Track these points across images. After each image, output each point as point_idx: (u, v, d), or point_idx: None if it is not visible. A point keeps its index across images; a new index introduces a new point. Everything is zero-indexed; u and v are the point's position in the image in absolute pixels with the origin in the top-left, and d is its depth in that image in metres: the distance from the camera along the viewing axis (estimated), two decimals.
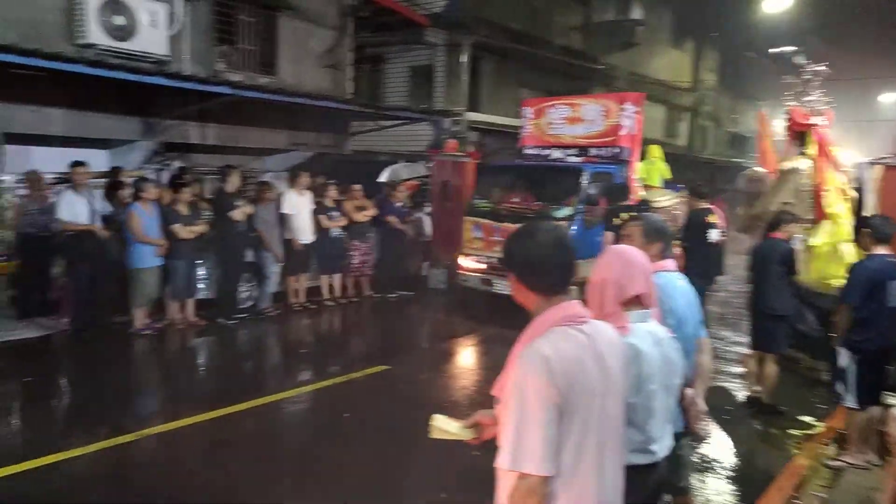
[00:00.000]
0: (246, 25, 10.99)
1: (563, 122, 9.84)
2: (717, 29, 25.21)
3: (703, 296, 6.20)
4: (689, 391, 2.78)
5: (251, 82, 10.37)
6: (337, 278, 9.67)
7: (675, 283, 3.03)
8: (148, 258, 7.58)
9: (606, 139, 9.32)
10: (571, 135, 9.71)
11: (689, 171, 20.75)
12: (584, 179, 8.62)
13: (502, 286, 8.66)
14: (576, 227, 8.31)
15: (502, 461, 1.79)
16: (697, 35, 25.81)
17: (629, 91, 20.70)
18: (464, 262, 9.47)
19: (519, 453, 1.75)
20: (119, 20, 8.79)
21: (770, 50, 18.99)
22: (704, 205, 7.44)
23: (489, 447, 2.18)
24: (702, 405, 2.92)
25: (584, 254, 8.95)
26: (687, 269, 4.21)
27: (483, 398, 6.07)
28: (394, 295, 10.12)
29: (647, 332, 2.38)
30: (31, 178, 7.84)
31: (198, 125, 10.54)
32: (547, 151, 9.95)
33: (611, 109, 9.32)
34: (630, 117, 9.18)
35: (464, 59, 13.66)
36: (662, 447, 2.40)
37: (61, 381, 6.67)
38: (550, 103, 10.04)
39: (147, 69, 8.65)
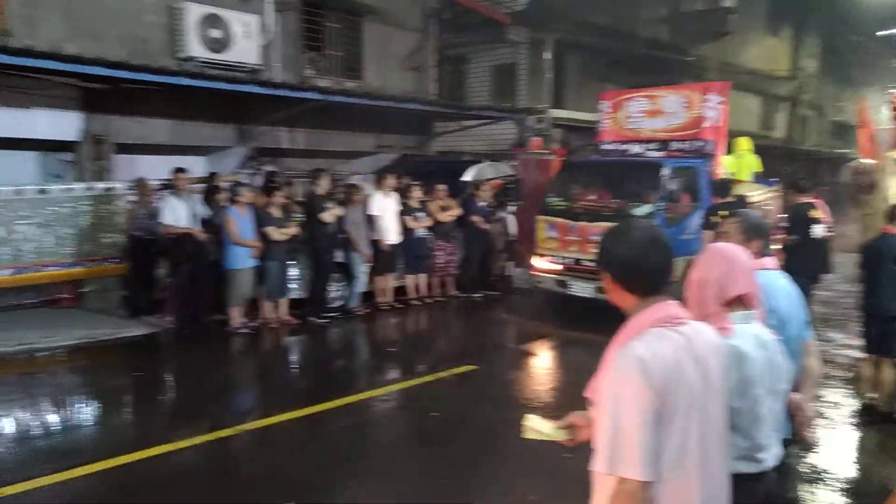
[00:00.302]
0: (332, 32, 11.29)
1: (642, 116, 9.46)
2: (818, 12, 23.78)
3: (808, 295, 5.85)
4: (795, 396, 2.62)
5: (338, 87, 10.65)
6: (422, 278, 9.77)
7: (776, 281, 2.86)
8: (243, 259, 7.91)
9: (689, 132, 8.91)
10: (651, 128, 9.33)
11: (787, 163, 19.72)
12: (665, 175, 8.22)
13: (578, 288, 8.52)
14: (658, 226, 8.17)
15: (599, 464, 1.75)
16: (796, 20, 24.44)
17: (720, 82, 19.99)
18: (537, 262, 9.21)
19: (616, 457, 1.70)
20: (216, 33, 9.23)
21: (878, 33, 17.73)
22: (806, 199, 7.02)
23: (581, 449, 2.13)
24: (810, 411, 2.74)
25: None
26: (789, 267, 3.98)
27: (572, 400, 5.96)
28: (479, 294, 10.11)
29: (751, 333, 2.26)
30: (139, 185, 8.34)
31: (288, 130, 10.92)
32: (625, 146, 9.57)
33: (693, 101, 8.91)
34: (714, 108, 8.75)
35: (547, 55, 13.49)
36: (771, 456, 2.26)
37: (166, 377, 7.07)
38: (629, 96, 9.67)
39: (241, 78, 9.06)
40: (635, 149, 9.37)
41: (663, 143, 9.14)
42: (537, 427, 2.12)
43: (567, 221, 8.73)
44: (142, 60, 8.61)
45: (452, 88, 15.56)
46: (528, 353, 7.69)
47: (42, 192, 8.29)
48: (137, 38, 9.04)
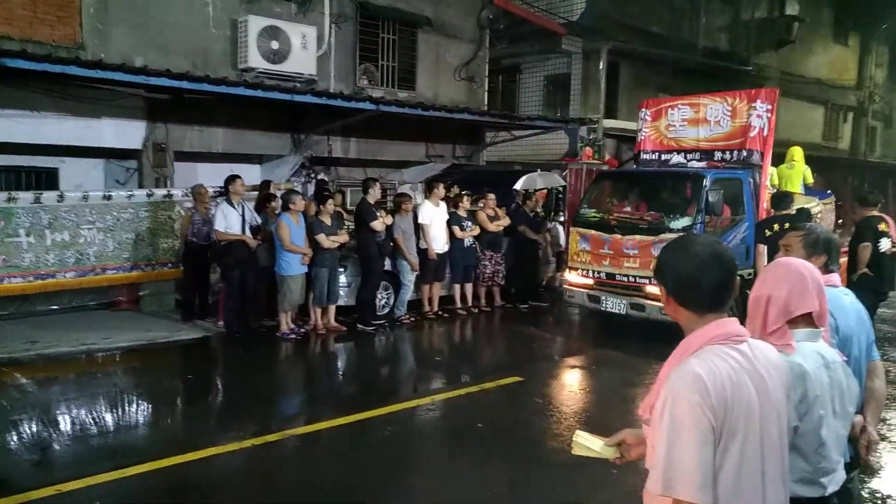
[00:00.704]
0: (387, 43, 11.42)
1: (684, 124, 8.98)
2: (887, 19, 22.84)
3: (873, 313, 5.58)
4: (858, 418, 2.49)
5: (391, 97, 10.76)
6: (469, 287, 9.74)
7: (841, 298, 2.73)
8: (294, 266, 8.03)
9: (733, 141, 8.46)
10: (694, 137, 8.87)
11: (853, 176, 18.97)
12: (705, 186, 7.80)
13: (611, 304, 8.26)
14: None
15: (654, 486, 1.68)
16: (864, 27, 23.52)
17: (782, 93, 19.37)
18: (570, 276, 8.89)
19: (672, 477, 1.64)
20: (275, 44, 9.46)
21: None
22: (873, 212, 6.73)
23: (626, 466, 2.07)
24: (874, 435, 2.60)
25: None
26: (855, 284, 3.80)
27: (619, 415, 5.83)
28: (525, 305, 10.02)
29: (815, 352, 2.17)
30: (196, 192, 8.59)
31: (341, 139, 11.08)
32: (667, 156, 9.09)
33: (738, 108, 8.43)
34: (761, 116, 8.26)
35: (601, 65, 13.35)
36: (833, 480, 2.16)
37: (216, 380, 7.24)
38: (670, 104, 9.22)
39: (298, 89, 9.24)
40: (676, 159, 8.95)
41: (706, 153, 8.72)
42: (587, 444, 2.07)
43: (600, 234, 8.43)
44: (203, 71, 8.89)
45: (504, 98, 15.54)
46: (575, 366, 7.56)
47: (106, 198, 8.63)
48: (200, 50, 9.34)
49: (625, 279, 8.13)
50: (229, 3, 9.55)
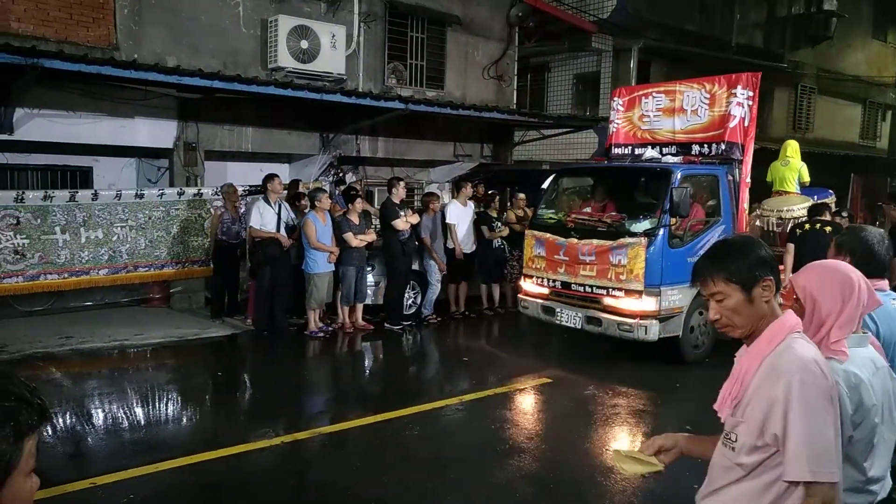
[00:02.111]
0: (415, 42, 11.40)
1: (658, 114, 8.09)
2: None
3: None
4: None
5: (420, 96, 10.74)
6: (496, 288, 9.69)
7: (888, 304, 2.63)
8: (322, 264, 8.07)
9: (712, 133, 7.58)
10: (669, 129, 7.97)
11: (892, 175, 18.41)
12: (673, 184, 6.90)
13: (566, 316, 7.46)
14: (657, 246, 6.84)
15: (799, 474, 1.70)
16: None
17: (818, 89, 18.92)
18: (524, 284, 8.05)
19: (817, 462, 1.69)
20: (304, 44, 9.50)
21: None
22: None
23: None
24: None
25: (671, 279, 6.67)
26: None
27: (653, 418, 5.74)
28: None
29: (868, 358, 2.11)
30: (227, 191, 8.67)
31: (369, 139, 11.10)
32: (640, 150, 8.17)
33: (716, 96, 7.54)
34: (742, 105, 7.38)
35: (632, 64, 13.18)
36: (883, 488, 2.11)
37: (245, 378, 7.30)
38: (644, 91, 8.34)
39: (327, 88, 9.27)
40: (649, 153, 8.01)
41: (683, 147, 7.84)
42: (631, 457, 2.02)
43: (556, 238, 7.56)
44: (234, 71, 8.98)
45: (533, 97, 15.43)
46: (603, 368, 7.46)
47: (139, 196, 8.76)
48: (230, 49, 9.42)
49: (581, 289, 7.33)
50: (259, 2, 9.62)
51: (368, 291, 8.64)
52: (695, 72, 15.57)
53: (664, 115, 8.03)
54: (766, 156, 14.06)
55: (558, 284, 7.58)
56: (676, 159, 7.68)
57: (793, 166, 8.92)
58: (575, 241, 7.37)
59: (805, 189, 9.10)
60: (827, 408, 1.70)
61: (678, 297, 6.96)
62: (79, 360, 7.11)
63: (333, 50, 9.82)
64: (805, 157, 15.02)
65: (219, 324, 8.49)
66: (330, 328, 8.37)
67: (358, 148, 11.00)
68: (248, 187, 9.16)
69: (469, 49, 12.10)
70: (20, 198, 7.89)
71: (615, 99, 8.57)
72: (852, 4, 19.56)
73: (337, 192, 9.83)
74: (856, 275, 2.13)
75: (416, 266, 8.87)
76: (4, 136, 7.89)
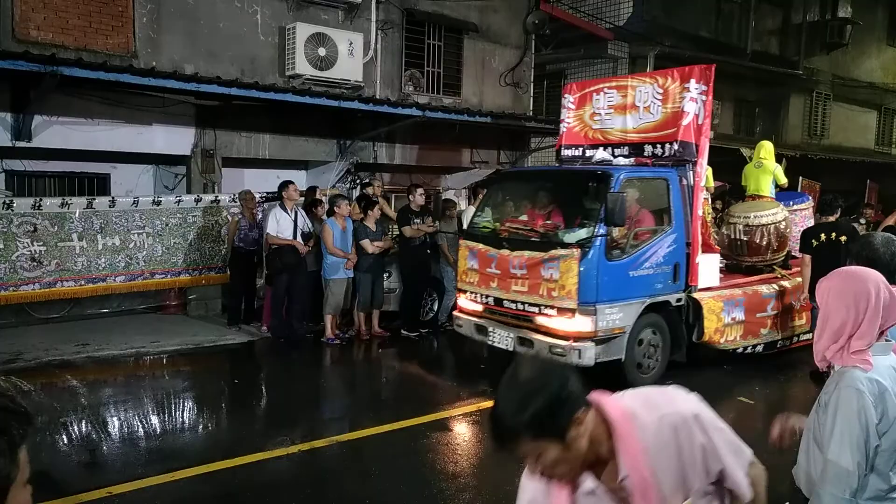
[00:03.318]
0: (432, 49, 11.38)
1: (610, 112, 7.37)
2: None
3: None
4: None
5: (436, 103, 10.72)
6: None
7: None
8: (338, 270, 8.04)
9: (666, 132, 6.85)
10: (621, 128, 7.28)
11: None
12: (611, 189, 6.15)
13: (499, 337, 6.68)
14: (592, 259, 6.06)
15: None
16: None
17: (833, 96, 18.77)
18: (460, 300, 7.36)
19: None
20: (322, 51, 9.49)
21: None
22: None
23: None
24: None
25: (609, 295, 6.12)
26: None
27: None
28: None
29: (890, 367, 2.06)
30: (244, 198, 8.65)
31: (386, 146, 11.07)
32: (592, 152, 7.45)
33: (670, 91, 6.82)
34: (696, 100, 6.70)
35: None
36: None
37: (262, 385, 7.24)
38: (596, 87, 7.62)
39: (345, 95, 9.25)
40: (600, 155, 7.29)
41: (635, 147, 7.13)
42: None
43: (488, 249, 6.82)
44: (251, 78, 8.98)
45: (549, 104, 15.36)
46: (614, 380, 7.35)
47: (156, 203, 8.75)
48: (248, 57, 9.43)
49: (513, 306, 6.58)
50: (277, 10, 9.63)
51: (385, 298, 8.57)
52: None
53: (616, 113, 7.33)
54: (780, 162, 13.99)
55: (491, 301, 6.78)
56: (628, 161, 7.01)
57: (767, 168, 8.26)
58: (507, 252, 6.58)
59: (782, 193, 8.66)
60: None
61: (619, 316, 6.23)
62: (95, 368, 7.08)
63: (351, 57, 9.81)
64: (821, 163, 15.04)
65: (235, 331, 8.45)
66: (346, 335, 8.31)
67: (375, 155, 10.97)
68: (265, 194, 9.14)
69: (486, 56, 12.07)
70: (38, 205, 7.90)
71: (566, 96, 7.85)
72: (867, 11, 19.45)
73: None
74: (875, 285, 2.04)
75: (433, 273, 8.80)
76: (23, 143, 7.91)
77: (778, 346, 7.72)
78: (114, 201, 8.47)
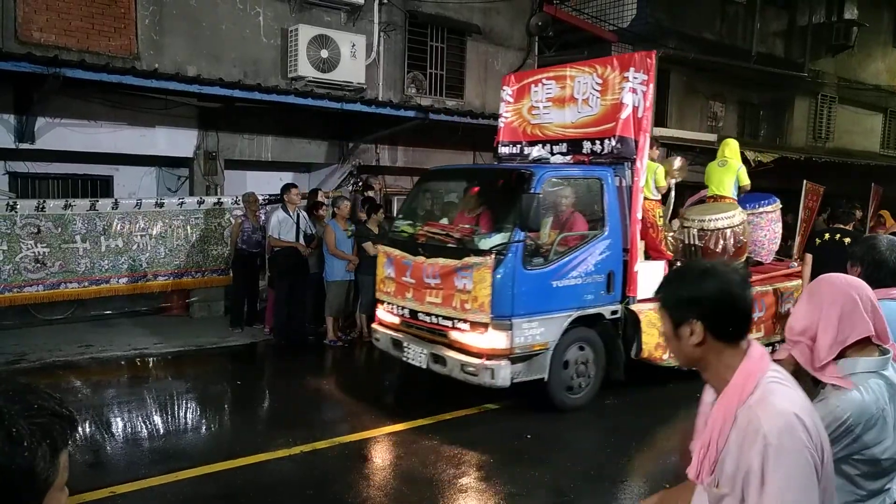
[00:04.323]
0: (435, 51, 11.38)
1: (548, 105, 6.78)
2: None
3: None
4: None
5: (439, 105, 10.71)
6: None
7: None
8: (340, 272, 8.03)
9: (605, 126, 6.27)
10: (559, 122, 6.69)
11: None
12: (531, 191, 5.57)
13: (413, 353, 6.10)
14: (507, 267, 5.48)
15: None
16: None
17: (839, 100, 18.71)
18: (379, 311, 6.77)
19: None
20: (324, 53, 9.50)
21: None
22: None
23: None
24: None
25: (529, 308, 5.57)
26: None
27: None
28: None
29: (883, 385, 1.93)
30: (248, 200, 8.65)
31: (388, 148, 11.06)
32: (529, 149, 6.90)
33: (609, 81, 6.24)
34: (636, 91, 6.12)
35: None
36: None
37: (264, 386, 7.23)
38: (535, 78, 7.01)
39: (347, 97, 9.25)
40: (536, 152, 6.75)
41: (574, 144, 6.52)
42: None
43: (403, 255, 6.20)
44: (254, 80, 8.99)
45: None
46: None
47: (158, 205, 8.76)
48: (251, 59, 9.44)
49: (427, 319, 5.98)
50: (280, 12, 9.64)
51: None
52: (715, 81, 15.60)
53: (554, 107, 6.73)
54: (786, 164, 13.96)
55: (406, 313, 6.21)
56: (566, 160, 6.51)
57: (730, 168, 7.72)
58: (421, 259, 5.96)
59: (750, 194, 8.15)
60: (808, 474, 1.48)
61: (540, 331, 5.62)
62: (98, 369, 7.08)
63: (353, 59, 9.81)
64: (825, 166, 14.98)
65: (238, 333, 8.44)
66: (348, 337, 8.30)
67: (377, 157, 10.96)
68: (268, 196, 9.14)
69: (489, 58, 12.07)
70: (41, 206, 7.91)
71: (504, 87, 7.33)
72: (873, 14, 19.40)
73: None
74: (851, 295, 1.94)
75: None
76: (26, 144, 7.93)
77: None
78: (117, 203, 8.49)
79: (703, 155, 14.08)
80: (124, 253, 8.48)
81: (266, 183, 9.86)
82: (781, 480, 1.47)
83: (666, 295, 1.71)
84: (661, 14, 13.85)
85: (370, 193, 9.46)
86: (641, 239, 6.92)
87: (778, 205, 8.34)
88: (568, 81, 6.64)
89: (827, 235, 6.78)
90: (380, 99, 10.12)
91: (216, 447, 5.24)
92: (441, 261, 5.79)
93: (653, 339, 6.19)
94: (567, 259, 5.83)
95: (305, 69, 9.39)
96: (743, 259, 7.48)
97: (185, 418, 6.00)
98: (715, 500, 1.62)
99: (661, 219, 7.13)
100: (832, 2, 17.94)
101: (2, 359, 7.03)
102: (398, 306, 6.32)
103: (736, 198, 7.70)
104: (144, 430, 5.54)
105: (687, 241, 7.33)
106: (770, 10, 16.66)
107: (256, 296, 8.84)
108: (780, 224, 8.35)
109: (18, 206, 7.80)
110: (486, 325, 5.49)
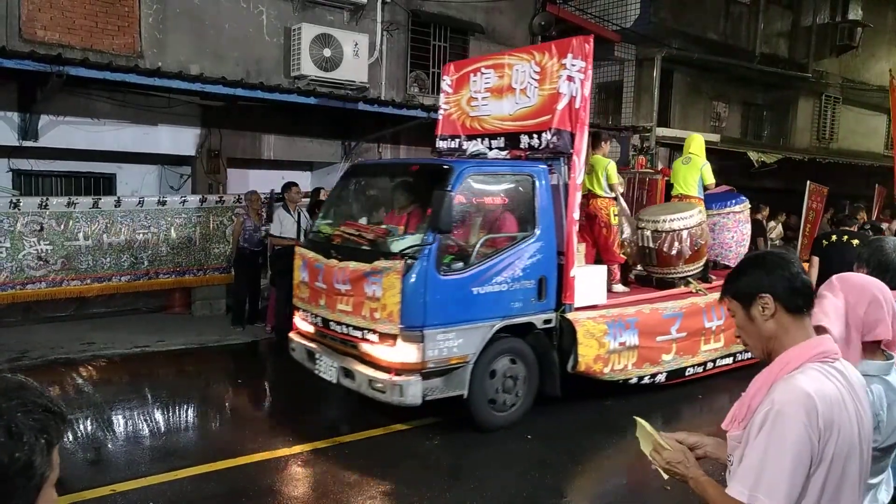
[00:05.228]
0: (438, 50, 11.38)
1: (487, 96, 6.33)
2: None
3: None
4: None
5: None
6: None
7: None
8: None
9: (541, 119, 5.78)
10: (498, 115, 6.20)
11: None
12: (447, 188, 5.10)
13: (324, 366, 5.60)
14: (418, 273, 4.94)
15: (736, 493, 1.63)
16: None
17: (843, 100, 18.67)
18: (296, 319, 6.24)
19: (759, 492, 1.58)
20: (327, 52, 9.51)
21: None
22: None
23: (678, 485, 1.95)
24: None
25: (444, 318, 5.06)
26: None
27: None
28: None
29: (881, 389, 2.00)
30: (250, 198, 8.67)
31: (391, 147, 11.07)
32: (467, 143, 6.42)
33: (547, 69, 5.77)
34: (573, 79, 5.63)
35: (655, 73, 13.06)
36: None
37: (265, 385, 7.25)
38: (474, 66, 6.52)
39: (350, 96, 9.26)
40: (473, 147, 6.25)
41: (511, 138, 6.06)
42: (647, 429, 1.96)
43: (317, 258, 5.69)
44: (256, 79, 9.00)
45: None
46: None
47: (161, 203, 8.77)
48: (253, 57, 9.45)
49: (339, 329, 5.47)
50: (283, 11, 9.65)
51: None
52: (719, 81, 15.56)
53: (492, 97, 6.27)
54: (789, 165, 13.93)
55: (320, 321, 5.71)
56: (503, 155, 6.07)
57: (694, 165, 7.28)
58: (333, 263, 5.46)
59: (719, 194, 7.90)
60: (796, 443, 1.56)
61: (458, 342, 5.09)
62: (100, 367, 7.10)
63: (356, 58, 9.82)
64: (829, 167, 14.95)
65: (239, 331, 8.46)
66: None
67: (380, 156, 10.97)
68: (270, 195, 9.15)
69: None
70: (44, 204, 7.94)
71: (444, 77, 6.85)
72: (878, 14, 19.34)
73: None
74: (877, 296, 2.01)
75: None
76: (30, 142, 7.95)
77: (688, 373, 6.56)
78: (119, 201, 8.51)
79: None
80: (126, 251, 8.50)
81: (269, 181, 9.86)
82: (769, 441, 1.58)
83: (731, 286, 1.83)
84: (665, 14, 13.83)
85: None
86: (594, 240, 6.69)
87: (746, 205, 7.96)
88: (506, 70, 6.15)
89: (834, 237, 6.68)
90: (382, 98, 10.12)
91: (217, 446, 5.24)
92: (352, 265, 5.28)
93: (591, 351, 5.68)
94: (490, 263, 5.29)
95: (308, 68, 9.40)
96: (701, 263, 7.04)
97: (187, 417, 6.02)
98: (731, 450, 1.76)
99: (616, 218, 6.74)
100: (836, 2, 17.87)
101: (4, 356, 7.05)
102: (312, 314, 5.82)
103: (701, 197, 7.30)
104: (146, 429, 5.56)
105: (640, 244, 6.94)
106: (774, 10, 16.63)
107: (258, 294, 8.86)
108: (748, 225, 8.00)
109: (22, 204, 7.82)
110: (395, 337, 4.98)
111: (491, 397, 5.40)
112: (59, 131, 8.16)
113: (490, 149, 6.21)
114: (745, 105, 17.10)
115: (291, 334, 6.28)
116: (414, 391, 5.00)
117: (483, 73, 6.37)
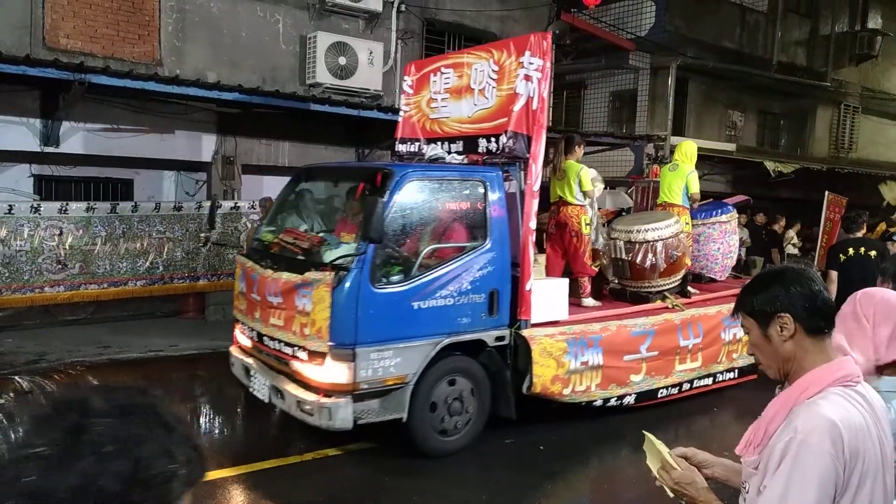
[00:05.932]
0: None
1: (446, 97, 6.01)
2: None
3: None
4: None
5: None
6: None
7: None
8: None
9: (498, 122, 5.47)
10: (457, 117, 5.88)
11: None
12: (384, 194, 4.78)
13: (258, 383, 5.30)
14: (350, 285, 4.57)
15: None
16: None
17: (861, 108, 18.48)
18: (236, 332, 5.90)
19: None
20: (342, 60, 9.60)
21: None
22: None
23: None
24: None
25: (380, 334, 4.72)
26: None
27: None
28: None
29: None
30: (265, 204, 8.75)
31: None
32: (427, 148, 6.10)
33: (505, 68, 5.45)
34: (531, 78, 5.30)
35: (670, 81, 13.03)
36: None
37: None
38: (434, 66, 6.22)
39: (364, 104, 9.34)
40: (432, 151, 5.93)
41: (469, 142, 5.74)
42: (656, 444, 1.93)
43: (254, 267, 5.37)
44: (272, 87, 9.10)
45: (569, 114, 15.35)
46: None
47: (177, 209, 8.90)
48: (269, 65, 9.57)
49: (271, 345, 5.14)
50: (299, 19, 9.77)
51: None
52: (734, 89, 15.47)
53: (452, 98, 5.95)
54: (806, 175, 13.80)
55: (255, 335, 5.37)
56: (459, 160, 5.73)
57: (680, 172, 6.95)
58: (268, 273, 5.12)
59: (705, 203, 7.67)
60: (822, 475, 1.50)
61: (395, 361, 4.70)
62: (115, 370, 7.19)
63: (371, 66, 9.90)
64: (847, 176, 14.79)
65: None
66: None
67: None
68: None
69: None
70: (64, 209, 8.08)
71: (405, 78, 6.57)
72: None
73: None
74: (869, 317, 2.00)
75: None
76: (51, 148, 8.10)
77: (660, 395, 6.08)
78: (136, 206, 8.64)
79: (720, 164, 14.04)
80: (143, 255, 8.62)
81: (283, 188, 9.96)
82: (792, 473, 1.51)
83: (746, 302, 1.73)
84: (680, 22, 13.79)
85: None
86: (563, 251, 6.35)
87: (734, 215, 7.60)
88: (465, 69, 5.82)
89: (851, 250, 6.36)
90: (396, 106, 10.18)
91: (228, 452, 5.29)
92: (284, 276, 4.93)
93: (548, 371, 5.23)
94: (434, 276, 4.88)
95: (323, 76, 9.50)
96: (679, 276, 6.58)
97: (199, 421, 6.08)
98: (746, 477, 1.70)
99: (588, 227, 6.27)
100: (855, 11, 17.74)
101: (22, 358, 7.18)
102: (248, 327, 5.49)
103: (686, 206, 6.96)
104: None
105: (614, 255, 6.49)
106: (792, 18, 16.52)
107: None
108: (736, 236, 7.66)
109: (42, 209, 7.97)
110: (324, 355, 4.61)
111: (434, 422, 4.98)
112: (80, 138, 8.32)
113: (449, 153, 5.87)
114: (761, 114, 16.99)
115: (231, 348, 5.92)
116: (344, 414, 4.59)
117: (443, 73, 6.05)
